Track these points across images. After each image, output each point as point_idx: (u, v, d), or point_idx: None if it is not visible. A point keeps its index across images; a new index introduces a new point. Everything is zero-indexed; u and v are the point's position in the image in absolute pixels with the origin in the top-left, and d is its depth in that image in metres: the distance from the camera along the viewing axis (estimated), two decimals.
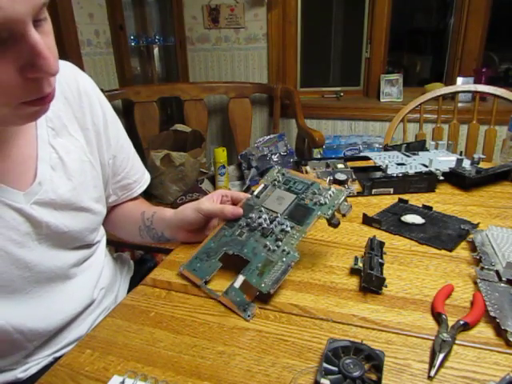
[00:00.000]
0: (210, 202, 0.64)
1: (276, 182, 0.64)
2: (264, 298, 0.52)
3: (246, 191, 0.71)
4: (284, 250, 0.54)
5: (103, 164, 0.66)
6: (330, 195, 0.58)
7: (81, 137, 0.61)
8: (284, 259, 0.53)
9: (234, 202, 0.66)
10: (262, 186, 0.65)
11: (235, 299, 0.52)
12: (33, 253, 0.54)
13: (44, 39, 0.40)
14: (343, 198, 0.57)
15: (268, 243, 0.56)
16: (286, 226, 0.57)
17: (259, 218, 0.59)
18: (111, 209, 0.75)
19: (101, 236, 0.70)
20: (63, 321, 0.60)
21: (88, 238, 0.63)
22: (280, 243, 0.55)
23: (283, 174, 0.65)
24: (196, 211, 0.62)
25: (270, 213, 0.60)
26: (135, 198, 0.77)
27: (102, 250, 0.71)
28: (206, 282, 0.56)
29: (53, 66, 0.40)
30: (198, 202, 0.64)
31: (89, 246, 0.65)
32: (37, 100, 0.43)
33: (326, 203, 0.57)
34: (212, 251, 0.59)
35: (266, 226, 0.58)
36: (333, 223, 0.57)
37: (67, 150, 0.58)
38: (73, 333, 0.62)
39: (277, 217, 0.58)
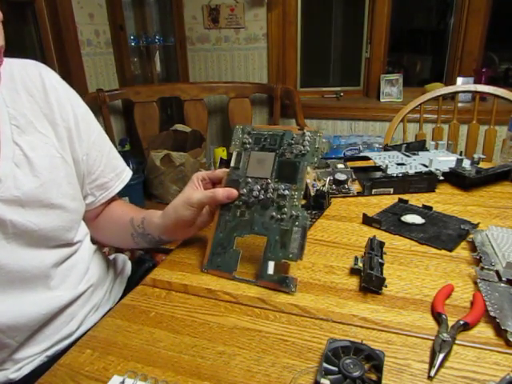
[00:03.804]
0: (197, 191, 0.61)
1: (247, 145, 0.61)
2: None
3: (220, 167, 0.66)
4: (292, 215, 0.54)
5: (77, 160, 0.64)
6: (308, 141, 0.57)
7: (51, 133, 0.60)
8: (297, 223, 0.54)
9: (214, 182, 0.64)
10: (235, 154, 0.61)
11: (273, 278, 0.53)
12: (1, 252, 0.53)
13: None
14: (321, 139, 0.56)
15: (274, 214, 0.55)
16: (282, 189, 0.56)
17: (251, 191, 0.58)
18: (95, 217, 0.74)
19: (83, 235, 0.68)
20: (46, 316, 0.59)
21: (65, 236, 0.62)
22: (285, 209, 0.55)
23: (249, 133, 0.62)
24: (188, 206, 0.60)
25: (258, 181, 0.58)
26: (115, 199, 0.75)
27: (86, 248, 0.69)
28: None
29: None
30: (185, 196, 0.61)
31: (69, 244, 0.64)
32: None
33: (307, 151, 0.56)
34: (224, 241, 0.58)
35: (262, 197, 0.57)
36: (318, 166, 0.56)
37: (34, 146, 0.57)
38: (63, 329, 0.62)
39: (268, 183, 0.57)
